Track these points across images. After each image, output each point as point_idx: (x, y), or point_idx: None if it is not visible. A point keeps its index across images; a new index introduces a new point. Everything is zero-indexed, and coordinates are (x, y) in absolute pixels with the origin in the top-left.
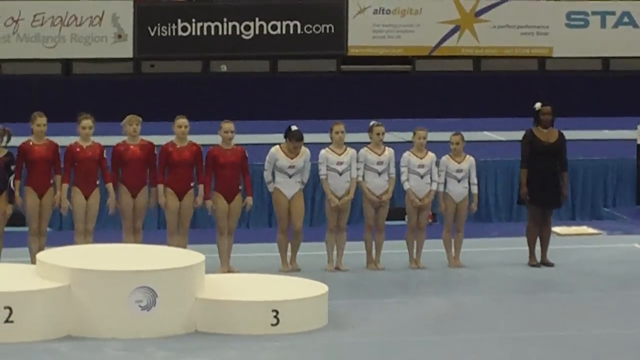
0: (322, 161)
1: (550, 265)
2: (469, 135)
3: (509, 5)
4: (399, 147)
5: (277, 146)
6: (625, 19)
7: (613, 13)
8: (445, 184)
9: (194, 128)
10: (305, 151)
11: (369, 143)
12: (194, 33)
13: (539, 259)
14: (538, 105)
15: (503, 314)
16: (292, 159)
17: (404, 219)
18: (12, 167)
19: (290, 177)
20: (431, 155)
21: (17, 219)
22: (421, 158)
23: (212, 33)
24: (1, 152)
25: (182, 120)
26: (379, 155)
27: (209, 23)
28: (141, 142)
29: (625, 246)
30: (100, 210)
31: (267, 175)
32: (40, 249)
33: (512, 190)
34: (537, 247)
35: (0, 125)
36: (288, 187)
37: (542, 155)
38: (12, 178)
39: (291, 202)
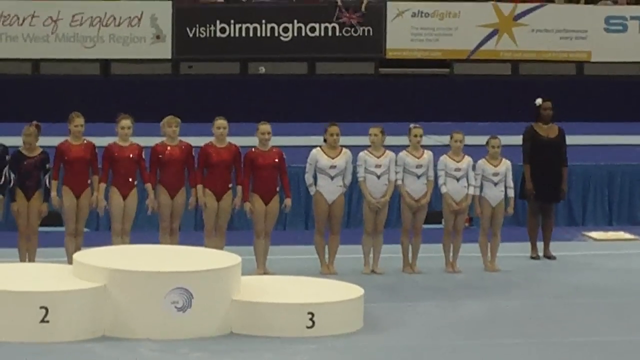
0: (361, 163)
1: (552, 258)
2: (507, 139)
3: (548, 9)
4: (437, 151)
5: (318, 147)
6: None
7: None
8: (481, 187)
9: (232, 129)
10: (346, 152)
11: (407, 146)
12: (232, 34)
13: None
14: (539, 100)
15: (539, 319)
16: (333, 158)
17: (440, 223)
18: (48, 166)
19: (332, 178)
20: (468, 158)
21: (54, 219)
22: (458, 161)
23: (251, 34)
24: (36, 151)
25: (220, 122)
26: (418, 158)
27: (248, 24)
28: (179, 143)
29: None
30: (137, 211)
31: (308, 178)
32: (77, 249)
33: None
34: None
35: (34, 122)
36: (330, 191)
37: (543, 150)
38: (47, 177)
39: (332, 207)
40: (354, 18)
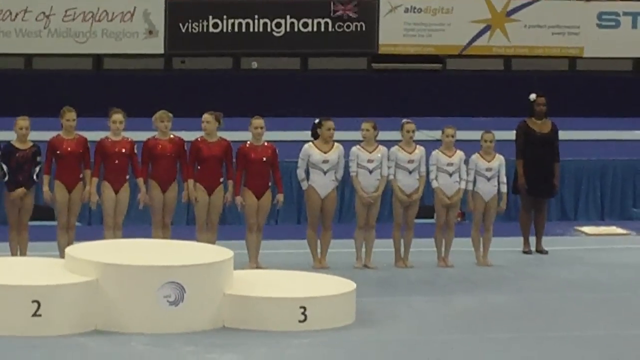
0: (353, 158)
1: (544, 253)
2: (500, 134)
3: (540, 5)
4: (429, 146)
5: (310, 142)
6: None
7: None
8: (474, 182)
9: (225, 124)
10: (338, 146)
11: (399, 141)
12: (225, 29)
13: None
14: (533, 96)
15: (531, 314)
16: (325, 153)
17: (432, 217)
18: (39, 159)
19: (325, 173)
20: (460, 153)
21: (46, 213)
22: (450, 156)
23: (243, 30)
24: (28, 144)
25: (205, 116)
26: (410, 153)
27: (240, 20)
28: (171, 137)
29: None
30: (129, 205)
31: (300, 173)
32: (69, 243)
33: None
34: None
35: None
36: (322, 186)
37: (536, 145)
38: (38, 169)
39: (324, 201)
40: (349, 9)
